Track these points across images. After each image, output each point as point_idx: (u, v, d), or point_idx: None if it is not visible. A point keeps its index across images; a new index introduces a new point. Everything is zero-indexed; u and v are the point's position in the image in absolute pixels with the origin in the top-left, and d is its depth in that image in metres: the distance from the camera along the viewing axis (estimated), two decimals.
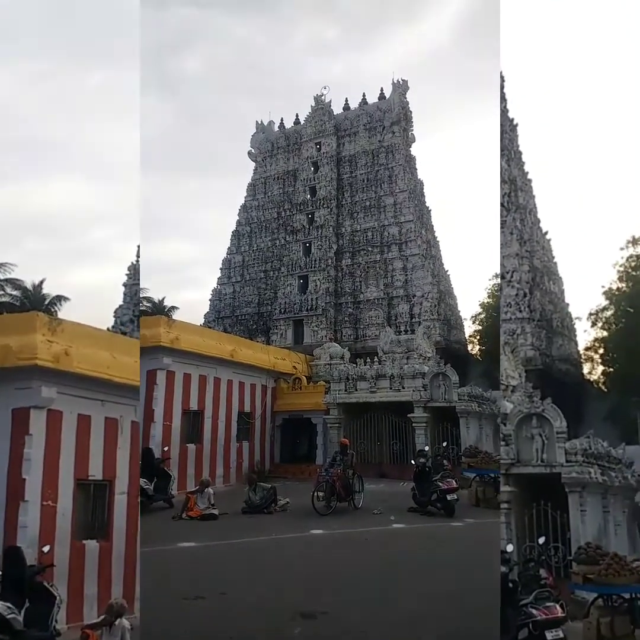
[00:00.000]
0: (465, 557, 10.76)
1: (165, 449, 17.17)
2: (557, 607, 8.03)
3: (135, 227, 56.34)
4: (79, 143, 66.05)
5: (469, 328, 36.90)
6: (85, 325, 12.00)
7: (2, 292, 31.48)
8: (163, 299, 37.82)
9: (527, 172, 29.85)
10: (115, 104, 61.73)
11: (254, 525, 13.42)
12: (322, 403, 21.87)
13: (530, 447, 11.85)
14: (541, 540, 10.39)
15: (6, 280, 31.54)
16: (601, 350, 33.73)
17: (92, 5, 59.39)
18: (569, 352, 29.69)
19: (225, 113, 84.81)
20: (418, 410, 19.93)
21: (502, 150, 27.94)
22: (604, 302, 32.27)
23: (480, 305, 38.22)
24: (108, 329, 27.99)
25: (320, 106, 35.70)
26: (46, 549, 9.70)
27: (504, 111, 29.19)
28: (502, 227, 27.11)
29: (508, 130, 29.10)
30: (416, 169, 34.76)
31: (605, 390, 31.97)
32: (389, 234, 31.51)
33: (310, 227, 33.14)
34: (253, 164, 38.22)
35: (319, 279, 31.68)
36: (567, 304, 30.83)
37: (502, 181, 27.58)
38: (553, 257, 30.54)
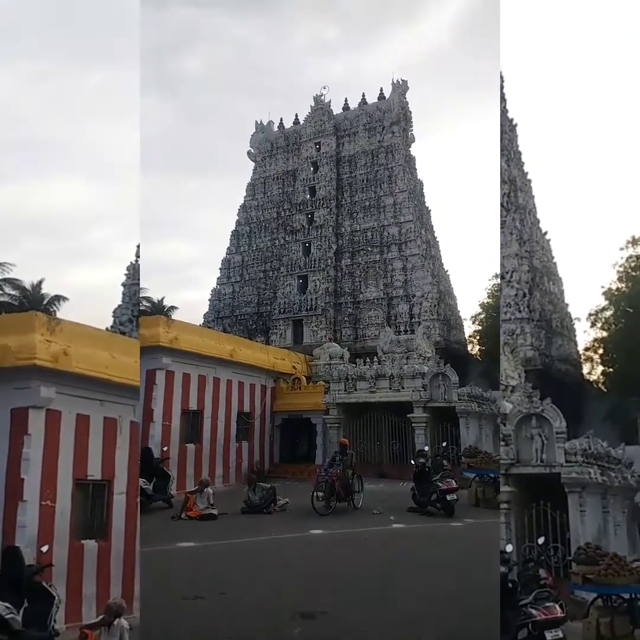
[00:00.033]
0: (464, 557, 10.76)
1: (165, 448, 17.17)
2: (557, 607, 8.02)
3: (135, 227, 56.34)
4: (79, 143, 66.12)
5: (469, 328, 36.98)
6: (84, 325, 11.99)
7: (1, 292, 31.47)
8: (162, 298, 37.79)
9: (527, 172, 29.86)
10: (115, 104, 61.81)
11: (254, 525, 13.40)
12: (322, 403, 21.86)
13: (530, 448, 11.83)
14: (541, 540, 10.37)
15: (5, 280, 31.56)
16: (601, 351, 33.75)
17: (92, 5, 59.46)
18: (569, 353, 29.67)
19: (225, 113, 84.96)
20: (418, 411, 19.93)
21: (502, 150, 27.93)
22: (604, 303, 32.38)
23: (480, 305, 38.29)
24: (107, 328, 27.89)
25: (320, 106, 35.68)
26: (45, 548, 9.70)
27: (503, 111, 29.20)
28: (501, 227, 27.10)
29: (508, 130, 29.10)
30: (416, 169, 34.75)
31: (605, 390, 31.98)
32: (388, 234, 31.49)
33: (310, 227, 33.12)
34: (252, 164, 38.20)
35: (318, 279, 31.66)
36: (567, 304, 30.84)
37: (502, 181, 27.57)
38: (553, 258, 30.53)
